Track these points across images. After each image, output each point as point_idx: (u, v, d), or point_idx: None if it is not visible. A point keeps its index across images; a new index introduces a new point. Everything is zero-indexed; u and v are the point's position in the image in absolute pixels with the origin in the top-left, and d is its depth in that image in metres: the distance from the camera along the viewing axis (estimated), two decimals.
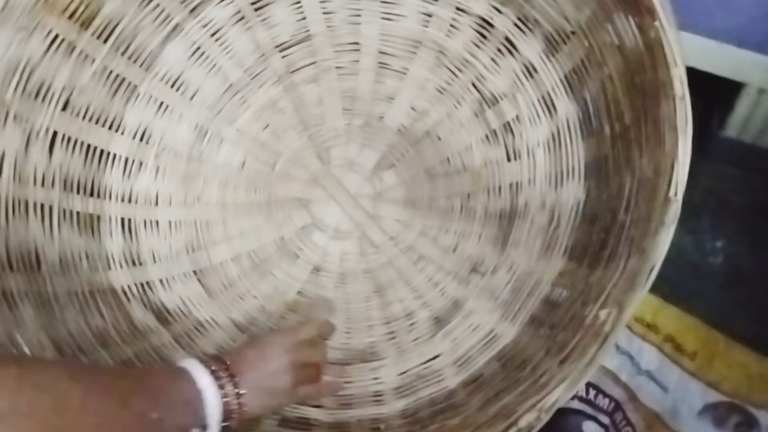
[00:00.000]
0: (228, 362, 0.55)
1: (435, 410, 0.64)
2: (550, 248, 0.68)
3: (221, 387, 0.53)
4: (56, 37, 0.65)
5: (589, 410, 0.71)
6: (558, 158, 0.69)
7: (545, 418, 0.47)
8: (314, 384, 0.63)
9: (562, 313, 0.61)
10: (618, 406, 0.71)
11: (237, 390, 0.54)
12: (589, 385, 0.71)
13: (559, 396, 0.47)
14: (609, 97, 0.63)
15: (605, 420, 0.71)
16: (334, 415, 0.67)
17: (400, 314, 0.73)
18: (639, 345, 0.72)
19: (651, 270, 0.47)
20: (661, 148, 0.52)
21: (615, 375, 0.72)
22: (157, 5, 0.72)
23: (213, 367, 0.53)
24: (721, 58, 0.73)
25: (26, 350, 0.58)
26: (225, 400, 0.53)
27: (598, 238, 0.61)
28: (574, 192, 0.68)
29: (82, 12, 0.67)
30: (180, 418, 0.50)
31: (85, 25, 0.68)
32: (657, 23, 0.50)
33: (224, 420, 0.53)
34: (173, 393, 0.50)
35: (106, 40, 0.70)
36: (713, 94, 0.76)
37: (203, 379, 0.52)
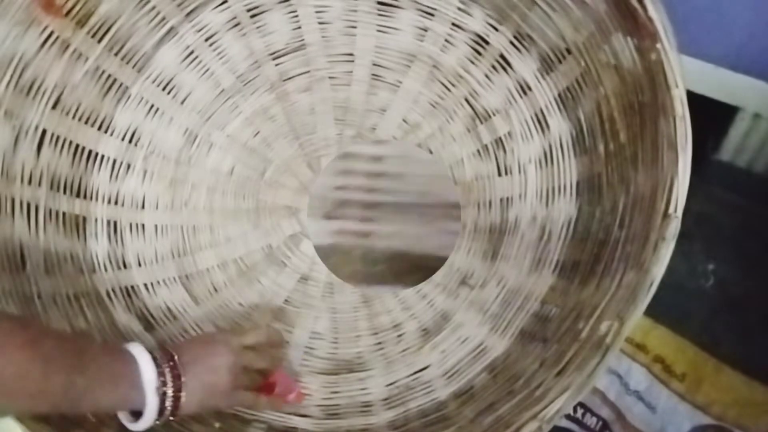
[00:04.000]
0: (172, 352, 0.54)
1: (426, 421, 0.64)
2: (541, 263, 0.68)
3: (161, 374, 0.52)
4: (51, 33, 0.65)
5: (576, 429, 0.71)
6: (550, 175, 0.70)
7: (546, 428, 0.47)
8: (255, 392, 0.63)
9: (554, 327, 0.62)
10: (606, 426, 0.71)
11: (176, 378, 0.53)
12: (577, 403, 0.70)
13: (561, 406, 0.47)
14: (604, 116, 0.64)
15: None
16: (322, 425, 0.66)
17: (387, 325, 0.73)
18: (628, 365, 0.72)
19: (651, 284, 0.48)
20: (658, 166, 0.53)
21: (603, 394, 0.71)
22: (153, 7, 0.72)
23: (155, 354, 0.53)
24: (717, 82, 0.75)
25: None
26: (162, 389, 0.52)
27: (591, 254, 0.62)
28: (565, 208, 0.68)
29: (79, 10, 0.66)
30: (109, 392, 0.49)
31: (81, 23, 0.67)
32: (659, 46, 0.51)
33: (159, 409, 0.52)
34: (108, 365, 0.49)
35: (100, 40, 0.69)
36: (708, 117, 0.77)
37: (143, 358, 0.51)
